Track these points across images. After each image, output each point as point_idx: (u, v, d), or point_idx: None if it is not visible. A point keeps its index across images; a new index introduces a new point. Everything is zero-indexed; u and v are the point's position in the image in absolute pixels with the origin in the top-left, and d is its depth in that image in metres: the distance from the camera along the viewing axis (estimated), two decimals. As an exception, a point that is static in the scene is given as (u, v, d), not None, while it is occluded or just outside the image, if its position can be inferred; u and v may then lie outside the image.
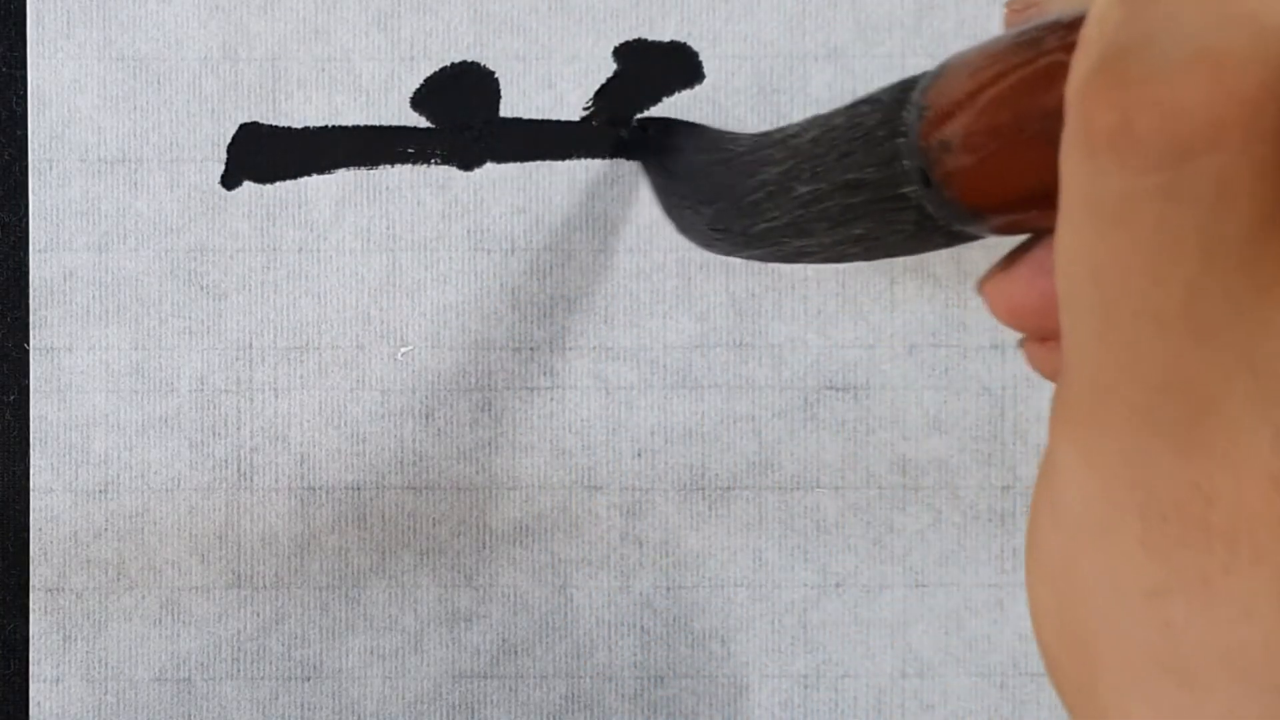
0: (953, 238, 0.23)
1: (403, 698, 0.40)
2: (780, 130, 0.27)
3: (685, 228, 0.32)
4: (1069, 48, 0.19)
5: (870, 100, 0.24)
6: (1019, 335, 0.22)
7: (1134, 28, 0.16)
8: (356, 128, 0.40)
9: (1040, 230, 0.21)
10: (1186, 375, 0.15)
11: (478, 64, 0.40)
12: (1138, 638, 0.16)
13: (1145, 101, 0.15)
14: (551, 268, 0.40)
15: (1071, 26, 0.19)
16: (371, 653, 0.40)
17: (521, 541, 0.40)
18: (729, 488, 0.40)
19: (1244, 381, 0.15)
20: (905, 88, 0.23)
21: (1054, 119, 0.18)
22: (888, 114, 0.23)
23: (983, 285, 0.23)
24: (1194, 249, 0.15)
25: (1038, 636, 0.18)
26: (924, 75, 0.22)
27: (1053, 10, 0.21)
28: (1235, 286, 0.15)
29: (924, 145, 0.21)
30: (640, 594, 0.40)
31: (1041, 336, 0.22)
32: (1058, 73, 0.19)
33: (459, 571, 0.40)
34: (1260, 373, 0.15)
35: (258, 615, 0.40)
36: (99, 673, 0.40)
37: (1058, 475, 0.17)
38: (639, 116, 0.40)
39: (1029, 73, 0.20)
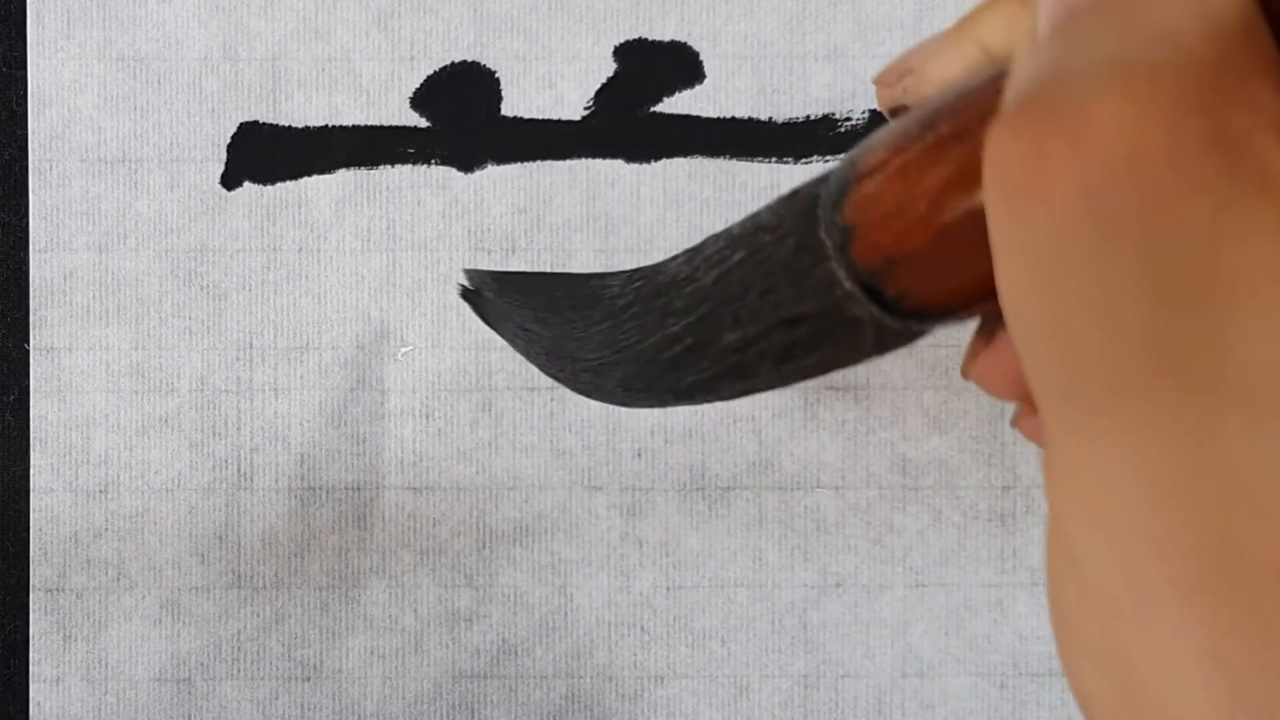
0: (916, 336, 0.21)
1: (403, 698, 0.40)
2: (658, 271, 0.24)
3: (595, 392, 0.29)
4: (971, 125, 0.17)
5: (769, 229, 0.21)
6: (1011, 413, 0.21)
7: (1044, 64, 0.15)
8: (356, 128, 0.40)
9: None
10: (1173, 419, 0.14)
11: (478, 64, 0.40)
12: (1207, 706, 0.14)
13: (1056, 133, 0.14)
14: (551, 268, 0.40)
15: (962, 104, 0.18)
16: (371, 653, 0.40)
17: (521, 541, 0.40)
18: (729, 488, 0.40)
19: (1235, 410, 0.14)
20: (808, 206, 0.20)
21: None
22: (802, 240, 0.20)
23: (968, 370, 0.21)
24: (1135, 285, 0.14)
25: (1090, 716, 0.16)
26: (825, 190, 0.20)
27: (928, 76, 0.20)
28: (1195, 310, 0.14)
29: (865, 266, 0.19)
30: (640, 594, 0.40)
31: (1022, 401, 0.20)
32: (976, 152, 0.17)
33: (459, 571, 0.40)
34: (1247, 399, 0.14)
35: (258, 615, 0.40)
36: (99, 673, 0.40)
37: (1074, 552, 0.15)
38: (465, 282, 0.33)
39: (953, 164, 0.18)
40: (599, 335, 0.27)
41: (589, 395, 0.29)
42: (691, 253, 0.24)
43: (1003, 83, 0.17)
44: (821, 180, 0.21)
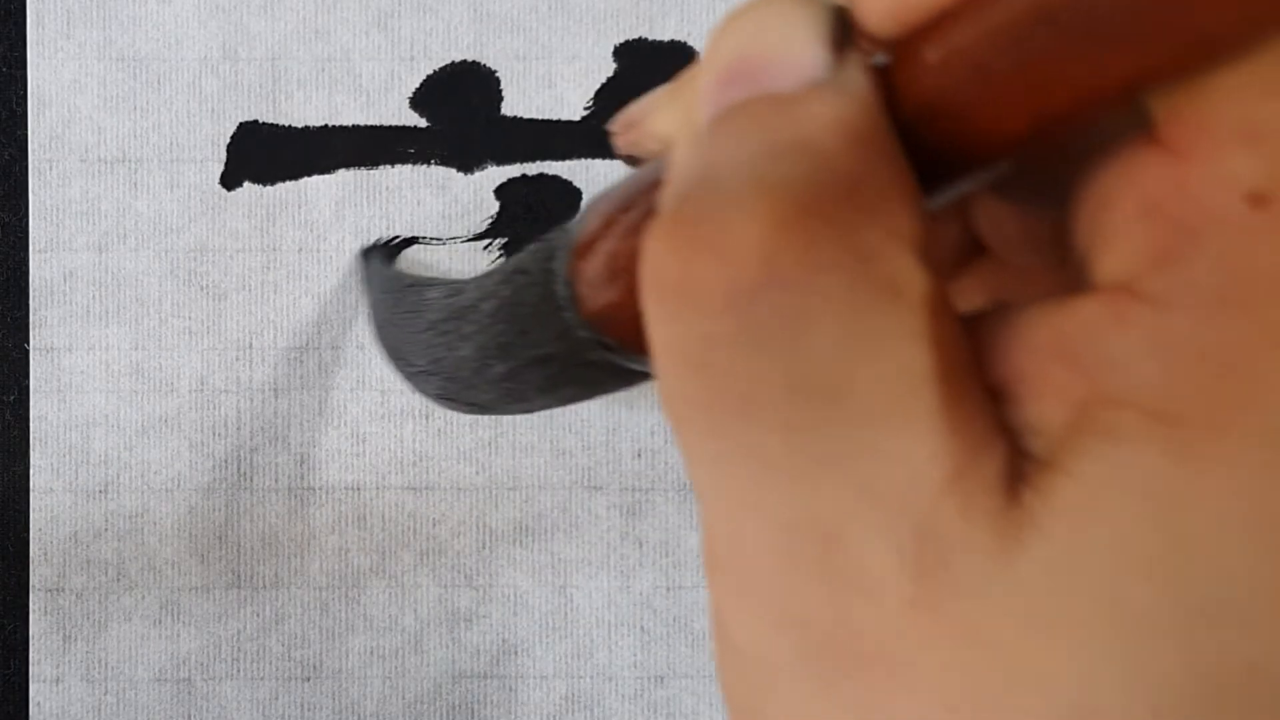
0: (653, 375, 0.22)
1: (403, 698, 0.40)
2: (459, 291, 0.26)
3: (421, 393, 0.31)
4: (635, 215, 0.18)
5: (523, 271, 0.23)
6: None
7: (695, 170, 0.15)
8: (356, 128, 0.40)
9: None
10: (807, 513, 0.15)
11: (478, 64, 0.40)
12: None
13: (702, 245, 0.15)
14: (551, 268, 0.40)
15: (637, 190, 0.19)
16: (371, 653, 0.40)
17: (521, 541, 0.40)
18: (729, 488, 0.40)
19: (862, 509, 0.14)
20: (547, 257, 0.22)
21: None
22: (544, 289, 0.22)
23: None
24: (777, 388, 0.14)
25: None
26: (561, 243, 0.22)
27: (649, 131, 0.21)
28: (830, 418, 0.14)
29: (585, 318, 0.21)
30: (640, 594, 0.40)
31: None
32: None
33: (459, 571, 0.40)
34: (875, 497, 0.14)
35: (258, 615, 0.40)
36: (99, 673, 0.40)
37: (720, 616, 0.16)
38: (372, 244, 0.39)
39: (636, 240, 0.19)
40: (421, 343, 0.29)
41: (424, 395, 0.31)
42: (482, 278, 0.25)
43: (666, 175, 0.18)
44: (560, 231, 0.22)
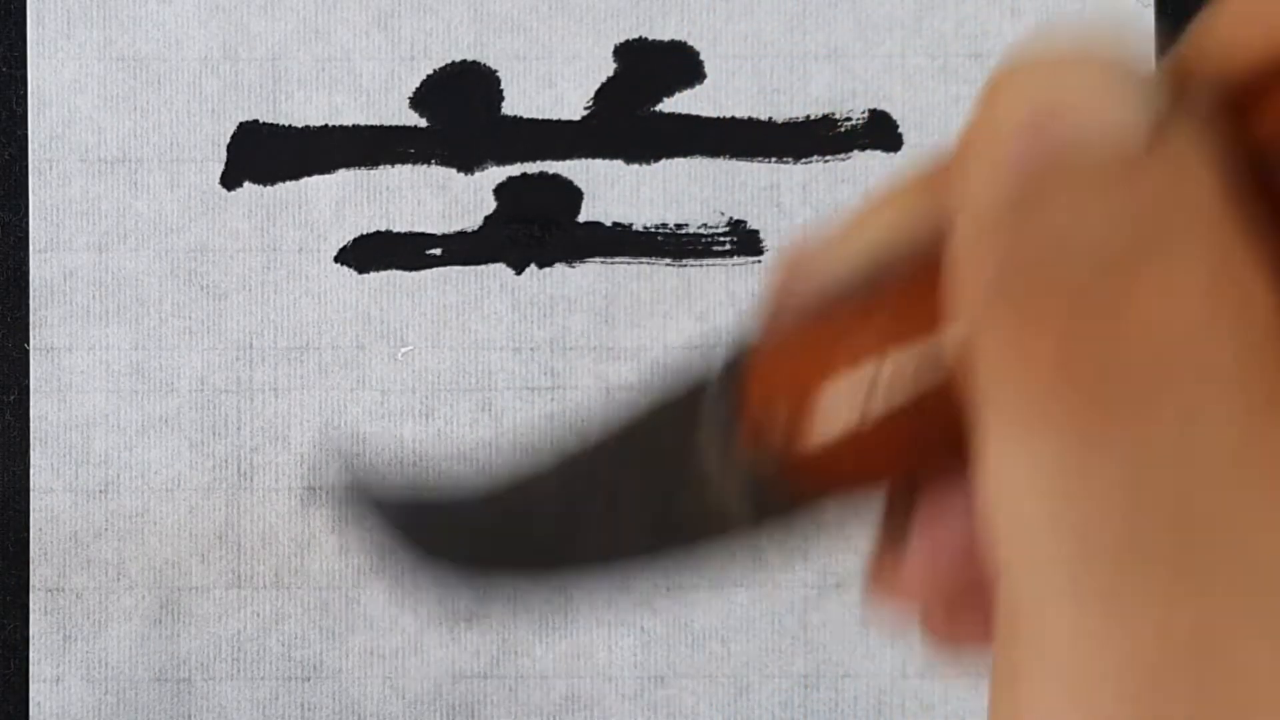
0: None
1: (403, 698, 0.40)
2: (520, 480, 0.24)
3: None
4: (885, 322, 0.17)
5: (646, 451, 0.21)
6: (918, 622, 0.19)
7: (1033, 242, 0.14)
8: (356, 128, 0.40)
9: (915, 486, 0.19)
10: (1195, 630, 0.13)
11: (478, 64, 0.40)
12: None
13: (1092, 331, 0.13)
14: (552, 266, 0.40)
15: (870, 300, 0.18)
16: (371, 653, 0.40)
17: (521, 541, 0.40)
18: (729, 488, 0.40)
19: (1259, 623, 0.13)
20: (689, 423, 0.20)
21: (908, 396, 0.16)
22: (683, 457, 0.20)
23: (875, 587, 0.20)
24: (1124, 384, 0.13)
25: None
26: (709, 403, 0.20)
27: (815, 272, 0.19)
28: (1224, 520, 0.13)
29: (760, 475, 0.19)
30: (640, 594, 0.40)
31: (949, 607, 0.19)
32: (881, 347, 0.17)
33: (459, 571, 0.40)
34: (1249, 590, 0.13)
35: (258, 615, 0.40)
36: (99, 673, 0.40)
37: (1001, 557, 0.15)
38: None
39: (857, 361, 0.17)
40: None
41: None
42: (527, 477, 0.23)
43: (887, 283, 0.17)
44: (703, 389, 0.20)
